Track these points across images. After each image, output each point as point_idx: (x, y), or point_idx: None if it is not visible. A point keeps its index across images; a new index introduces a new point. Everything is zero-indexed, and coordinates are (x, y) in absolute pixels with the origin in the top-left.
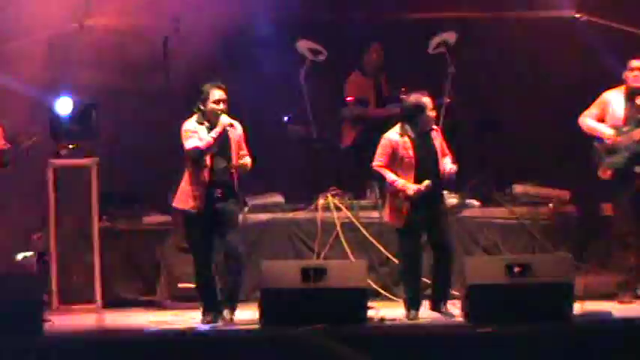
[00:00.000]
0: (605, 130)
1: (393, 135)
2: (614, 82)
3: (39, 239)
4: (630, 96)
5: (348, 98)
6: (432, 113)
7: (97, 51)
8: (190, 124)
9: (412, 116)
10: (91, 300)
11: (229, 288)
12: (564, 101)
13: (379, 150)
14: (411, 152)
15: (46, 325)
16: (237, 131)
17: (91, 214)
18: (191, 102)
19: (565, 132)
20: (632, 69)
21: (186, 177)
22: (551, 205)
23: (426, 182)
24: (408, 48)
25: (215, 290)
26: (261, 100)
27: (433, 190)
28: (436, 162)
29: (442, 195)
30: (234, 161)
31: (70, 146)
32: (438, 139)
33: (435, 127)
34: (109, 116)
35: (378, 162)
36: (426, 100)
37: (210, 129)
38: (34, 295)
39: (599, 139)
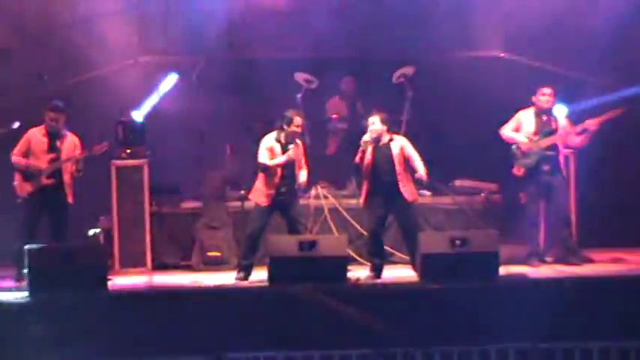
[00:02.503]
0: (521, 139)
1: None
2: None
3: (105, 220)
4: (539, 114)
5: (333, 116)
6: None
7: (146, 80)
8: (269, 140)
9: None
10: (143, 264)
11: None
12: (492, 118)
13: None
14: (369, 157)
15: (109, 283)
16: (299, 149)
17: (143, 201)
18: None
19: (493, 140)
20: (543, 94)
21: (260, 178)
22: (482, 194)
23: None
24: (377, 78)
25: (253, 258)
26: (270, 116)
27: (391, 187)
28: (390, 162)
29: (401, 191)
30: (296, 171)
31: (128, 151)
32: (396, 149)
33: (393, 137)
34: (156, 129)
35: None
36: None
37: (284, 146)
38: (101, 260)
39: (516, 145)
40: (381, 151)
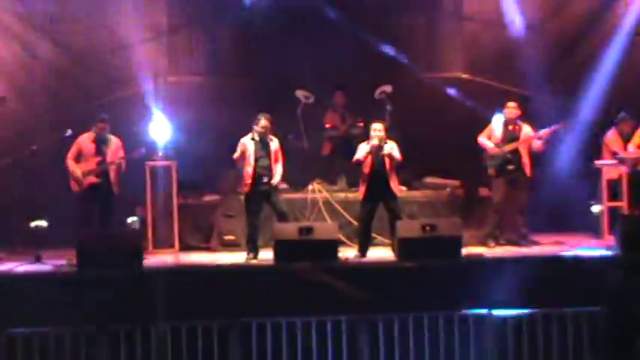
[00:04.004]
0: (490, 145)
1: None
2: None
3: (141, 210)
4: (506, 124)
5: (327, 125)
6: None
7: (174, 97)
8: (243, 140)
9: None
10: (172, 246)
11: None
12: (455, 127)
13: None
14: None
15: (144, 261)
16: (275, 144)
17: (172, 195)
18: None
19: (457, 145)
20: (509, 107)
21: (241, 171)
22: (448, 189)
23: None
24: (363, 94)
25: (257, 239)
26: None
27: (384, 183)
28: (383, 164)
29: (391, 187)
30: (272, 163)
31: (159, 154)
32: (387, 149)
33: (387, 141)
34: (183, 136)
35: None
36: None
37: (258, 143)
38: (137, 242)
39: (487, 150)
40: (379, 152)
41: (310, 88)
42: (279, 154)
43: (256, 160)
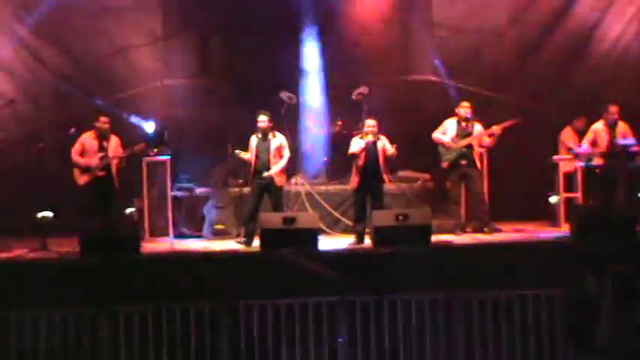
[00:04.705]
0: (445, 140)
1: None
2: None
3: (138, 201)
4: (460, 121)
5: (309, 122)
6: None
7: (169, 98)
8: (252, 136)
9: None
10: (166, 234)
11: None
12: (426, 125)
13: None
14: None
15: (142, 248)
16: (277, 140)
17: (166, 188)
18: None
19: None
20: (463, 106)
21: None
22: (419, 182)
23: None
24: (342, 95)
25: (254, 230)
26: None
27: (376, 174)
28: (377, 157)
29: (381, 177)
30: (271, 160)
31: (155, 150)
32: (380, 144)
33: (379, 137)
34: (177, 133)
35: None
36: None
37: (260, 139)
38: (135, 231)
39: (442, 145)
40: (372, 147)
41: (294, 90)
42: (284, 151)
43: (257, 155)
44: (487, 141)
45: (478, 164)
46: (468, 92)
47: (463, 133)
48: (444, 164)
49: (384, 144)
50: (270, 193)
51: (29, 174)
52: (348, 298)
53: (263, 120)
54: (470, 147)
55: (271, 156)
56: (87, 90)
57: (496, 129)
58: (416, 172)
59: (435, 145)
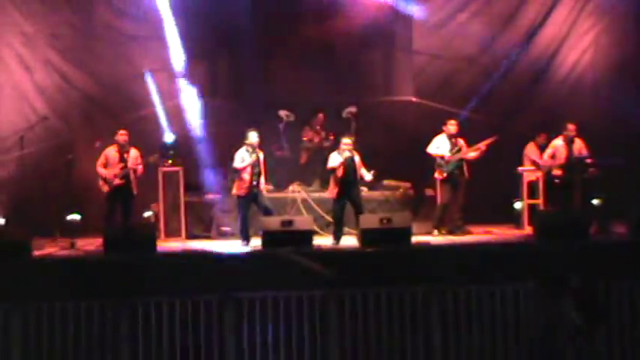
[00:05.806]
0: (444, 154)
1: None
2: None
3: (155, 206)
4: (449, 138)
5: (304, 138)
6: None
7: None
8: (240, 151)
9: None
10: (179, 235)
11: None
12: (406, 140)
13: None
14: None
15: (158, 247)
16: (262, 155)
17: (180, 194)
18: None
19: (408, 155)
20: (452, 124)
21: (239, 176)
22: (401, 190)
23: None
24: (334, 114)
25: (248, 230)
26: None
27: (353, 184)
28: (354, 170)
29: (359, 186)
30: (261, 172)
31: (169, 161)
32: (357, 158)
33: (355, 152)
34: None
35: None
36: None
37: (252, 154)
38: (151, 232)
39: (441, 158)
40: (349, 161)
41: (291, 109)
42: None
43: (252, 168)
44: (472, 155)
45: (467, 174)
46: (444, 112)
47: (454, 148)
48: (443, 175)
49: (359, 158)
50: (258, 202)
51: (59, 181)
52: (337, 291)
53: (248, 137)
54: (462, 159)
55: (261, 170)
56: (110, 108)
57: (482, 145)
58: (398, 181)
59: (419, 158)
